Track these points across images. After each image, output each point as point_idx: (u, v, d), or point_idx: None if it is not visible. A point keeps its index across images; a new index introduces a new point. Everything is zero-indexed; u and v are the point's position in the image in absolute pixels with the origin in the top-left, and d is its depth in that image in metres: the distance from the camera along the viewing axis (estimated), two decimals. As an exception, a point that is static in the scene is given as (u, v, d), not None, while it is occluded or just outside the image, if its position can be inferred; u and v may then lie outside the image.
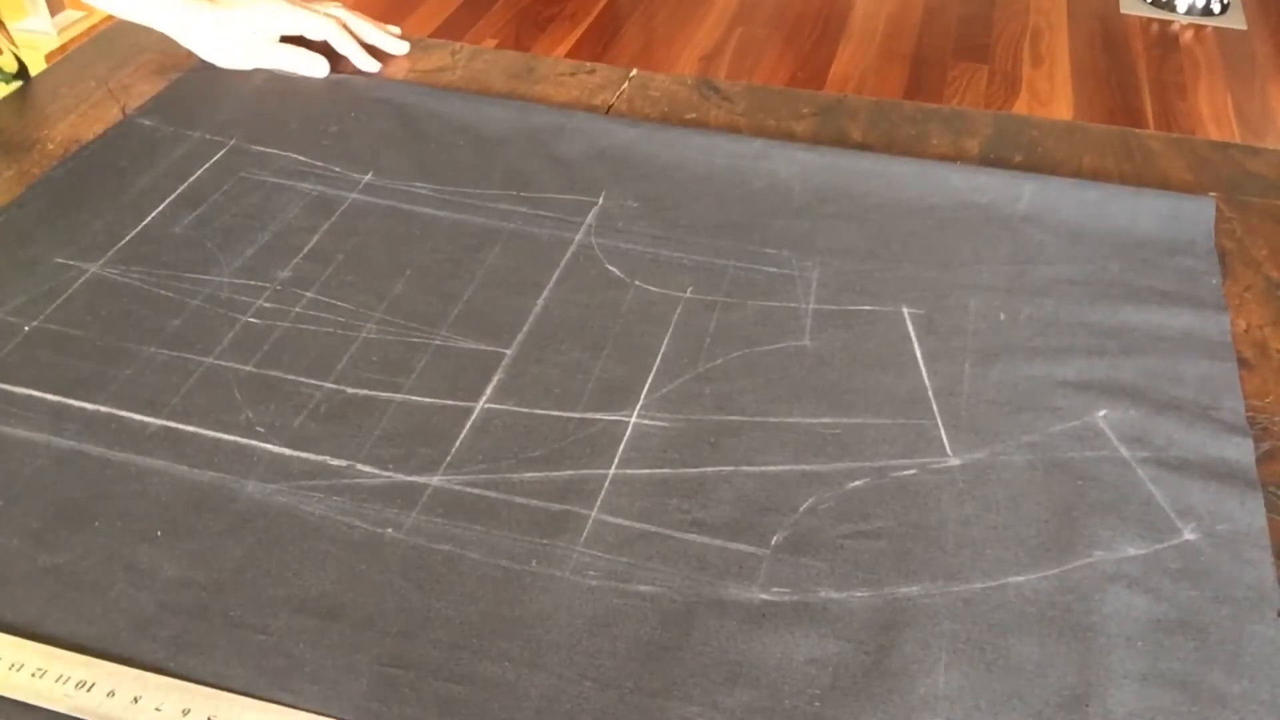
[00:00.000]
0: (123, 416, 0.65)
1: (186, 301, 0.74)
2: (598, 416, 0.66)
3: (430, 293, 0.75)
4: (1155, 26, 2.72)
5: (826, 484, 0.62)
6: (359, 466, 0.63)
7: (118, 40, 1.04)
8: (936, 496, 0.62)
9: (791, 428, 0.66)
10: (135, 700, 0.50)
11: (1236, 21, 2.72)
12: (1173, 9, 2.74)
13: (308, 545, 0.59)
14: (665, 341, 0.72)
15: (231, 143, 0.89)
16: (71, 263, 0.76)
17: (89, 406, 0.66)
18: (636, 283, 0.76)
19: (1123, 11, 2.77)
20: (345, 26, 1.00)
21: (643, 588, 0.57)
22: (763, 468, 0.63)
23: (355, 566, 0.58)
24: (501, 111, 0.93)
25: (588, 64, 1.03)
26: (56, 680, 0.51)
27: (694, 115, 0.95)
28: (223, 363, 0.69)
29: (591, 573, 0.58)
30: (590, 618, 0.55)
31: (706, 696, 0.52)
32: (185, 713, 0.50)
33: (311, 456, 0.63)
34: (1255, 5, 2.83)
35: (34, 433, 0.64)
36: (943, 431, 0.66)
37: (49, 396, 0.67)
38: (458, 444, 0.64)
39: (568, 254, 0.79)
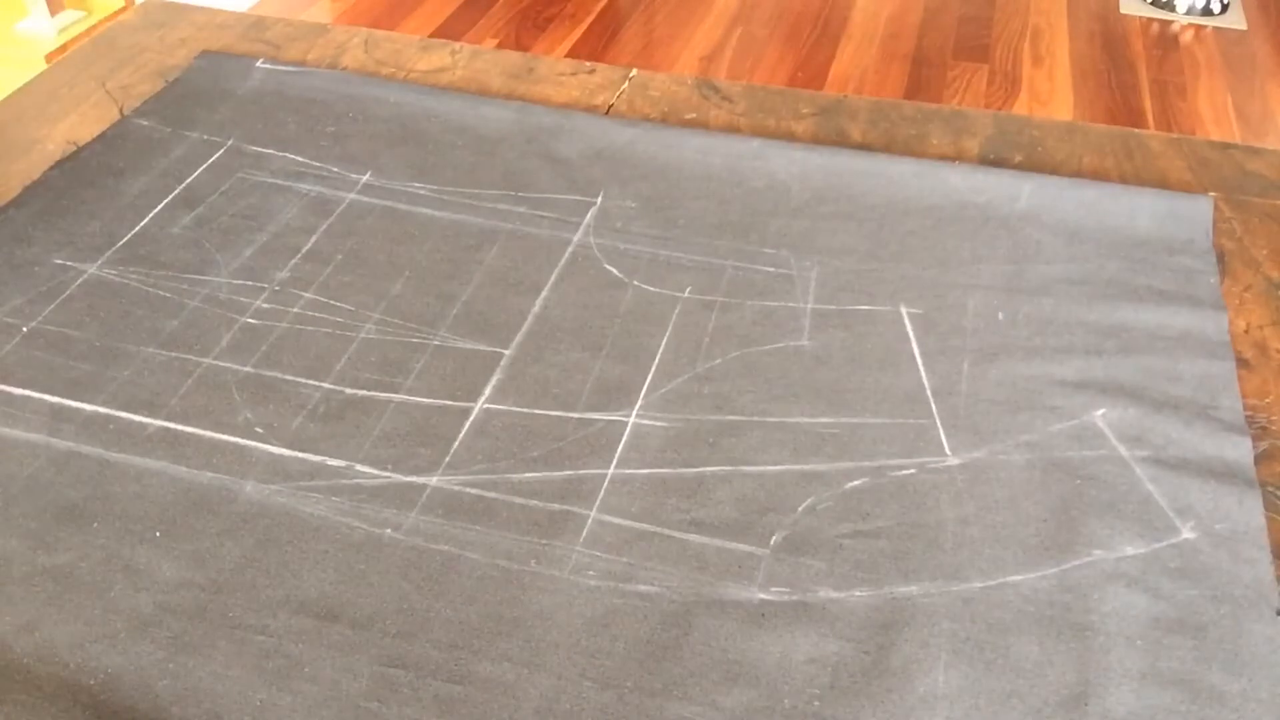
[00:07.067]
0: (121, 417, 0.65)
1: (185, 302, 0.74)
2: (596, 416, 0.66)
3: (429, 293, 0.75)
4: (1155, 26, 2.71)
5: (825, 484, 0.62)
6: (358, 467, 0.63)
7: (117, 41, 1.04)
8: (935, 496, 0.62)
9: (790, 427, 0.66)
10: None
11: (1236, 21, 2.72)
12: (1173, 9, 2.74)
13: (307, 546, 0.59)
14: (664, 341, 0.72)
15: (229, 143, 0.89)
16: (69, 263, 0.76)
17: (87, 407, 0.66)
18: (635, 283, 0.76)
19: (1123, 11, 2.77)
20: None
21: (642, 588, 0.57)
22: (762, 467, 0.63)
23: (354, 567, 0.58)
24: (500, 112, 0.93)
25: (588, 64, 1.03)
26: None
27: (694, 115, 0.95)
28: (221, 363, 0.69)
29: (591, 573, 0.57)
30: (590, 618, 0.55)
31: (706, 696, 0.52)
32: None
33: (310, 457, 0.63)
34: (1255, 5, 2.83)
35: (32, 433, 0.64)
36: (941, 431, 0.66)
37: (47, 397, 0.66)
38: (456, 444, 0.64)
39: (566, 254, 0.79)
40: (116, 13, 2.31)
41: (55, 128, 0.92)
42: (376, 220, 0.81)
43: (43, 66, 1.02)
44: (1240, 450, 0.64)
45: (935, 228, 0.81)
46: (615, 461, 0.63)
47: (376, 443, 0.64)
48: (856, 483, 0.63)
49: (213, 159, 0.87)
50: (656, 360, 0.70)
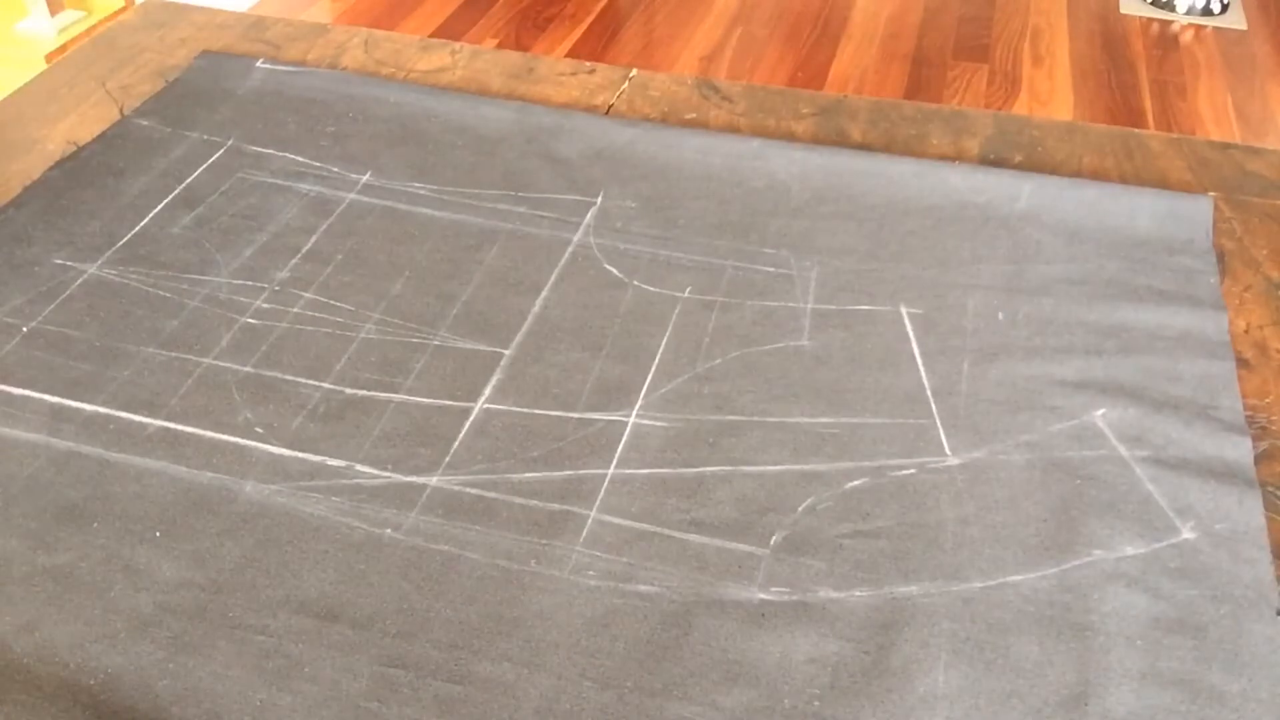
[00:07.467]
0: (121, 417, 0.65)
1: (185, 302, 0.74)
2: (596, 416, 0.66)
3: (429, 293, 0.75)
4: (1155, 26, 2.71)
5: (825, 484, 0.62)
6: (358, 467, 0.63)
7: (117, 41, 1.04)
8: (935, 496, 0.62)
9: (790, 427, 0.66)
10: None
11: (1236, 21, 2.72)
12: (1173, 9, 2.74)
13: (307, 546, 0.59)
14: (664, 341, 0.72)
15: (229, 143, 0.89)
16: (69, 263, 0.76)
17: (87, 407, 0.66)
18: (635, 283, 0.76)
19: (1123, 11, 2.76)
20: None
21: (642, 588, 0.57)
22: (762, 467, 0.63)
23: (354, 567, 0.58)
24: (500, 112, 0.93)
25: (588, 64, 1.03)
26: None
27: (694, 115, 0.95)
28: (221, 363, 0.69)
29: (591, 573, 0.57)
30: (590, 618, 0.55)
31: (706, 696, 0.52)
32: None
33: (310, 457, 0.63)
34: (1255, 5, 2.82)
35: (32, 434, 0.64)
36: (941, 431, 0.66)
37: (47, 397, 0.66)
38: (456, 444, 0.64)
39: (566, 254, 0.79)
40: (116, 13, 2.31)
41: (55, 128, 0.92)
42: (376, 220, 0.81)
43: (43, 66, 1.02)
44: (1240, 450, 0.64)
45: (935, 228, 0.81)
46: (615, 461, 0.63)
47: (376, 443, 0.64)
48: (856, 483, 0.63)
49: (213, 159, 0.87)
50: (656, 360, 0.70)
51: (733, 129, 0.93)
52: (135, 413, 0.66)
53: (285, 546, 0.59)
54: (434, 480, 0.62)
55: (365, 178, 0.86)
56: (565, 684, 0.52)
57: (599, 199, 0.84)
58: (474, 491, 0.62)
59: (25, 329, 0.71)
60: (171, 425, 0.65)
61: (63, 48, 2.24)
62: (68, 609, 0.55)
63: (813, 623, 0.55)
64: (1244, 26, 2.75)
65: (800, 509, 0.61)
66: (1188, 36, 2.71)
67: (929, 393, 0.68)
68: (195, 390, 0.67)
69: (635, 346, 0.71)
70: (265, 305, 0.74)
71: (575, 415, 0.66)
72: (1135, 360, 0.70)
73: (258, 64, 0.98)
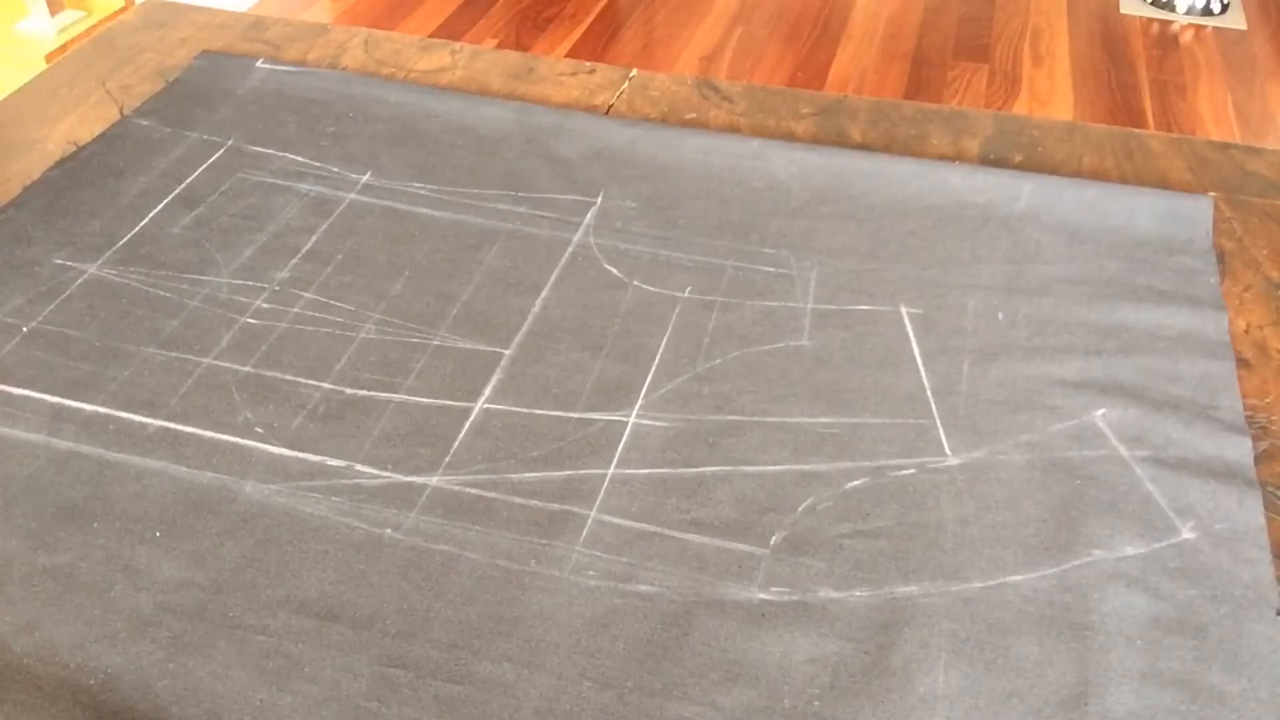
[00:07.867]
0: (121, 417, 0.65)
1: (185, 302, 0.74)
2: (596, 416, 0.66)
3: (429, 293, 0.75)
4: (1155, 26, 2.71)
5: (825, 484, 0.62)
6: (358, 467, 0.63)
7: (117, 41, 1.04)
8: (935, 496, 0.62)
9: (790, 427, 0.66)
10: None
11: (1236, 21, 2.72)
12: (1173, 9, 2.74)
13: (307, 546, 0.59)
14: (664, 341, 0.72)
15: (229, 143, 0.89)
16: (69, 263, 0.76)
17: (87, 407, 0.66)
18: (635, 283, 0.76)
19: (1123, 11, 2.76)
20: None
21: (642, 588, 0.57)
22: (762, 467, 0.63)
23: (354, 567, 0.58)
24: (500, 112, 0.93)
25: (588, 64, 1.03)
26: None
27: (694, 115, 0.95)
28: (221, 363, 0.69)
29: (591, 573, 0.57)
30: (590, 618, 0.55)
31: (706, 696, 0.52)
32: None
33: (310, 457, 0.63)
34: (1255, 5, 2.82)
35: (32, 434, 0.64)
36: (941, 431, 0.66)
37: (47, 397, 0.67)
38: (456, 444, 0.64)
39: (566, 254, 0.79)
40: (116, 13, 2.31)
41: (55, 128, 0.92)
42: (376, 220, 0.81)
43: (43, 66, 1.02)
44: (1240, 450, 0.64)
45: (935, 228, 0.81)
46: (615, 461, 0.63)
47: (376, 443, 0.64)
48: (856, 483, 0.63)
49: (213, 159, 0.87)
50: (656, 360, 0.70)
51: (733, 129, 0.93)
52: (135, 413, 0.66)
53: (285, 546, 0.59)
54: (434, 480, 0.62)
55: (365, 178, 0.86)
56: (565, 684, 0.52)
57: (599, 199, 0.84)
58: (474, 491, 0.62)
59: (25, 329, 0.71)
60: (171, 425, 0.65)
61: (63, 48, 2.24)
62: (68, 609, 0.55)
63: (813, 623, 0.55)
64: (1244, 26, 2.75)
65: (800, 509, 0.61)
66: (1188, 36, 2.71)
67: (929, 393, 0.68)
68: (195, 390, 0.67)
69: (635, 346, 0.71)
70: (265, 305, 0.74)
71: (575, 415, 0.66)
72: (1135, 360, 0.70)
73: (258, 64, 0.98)
